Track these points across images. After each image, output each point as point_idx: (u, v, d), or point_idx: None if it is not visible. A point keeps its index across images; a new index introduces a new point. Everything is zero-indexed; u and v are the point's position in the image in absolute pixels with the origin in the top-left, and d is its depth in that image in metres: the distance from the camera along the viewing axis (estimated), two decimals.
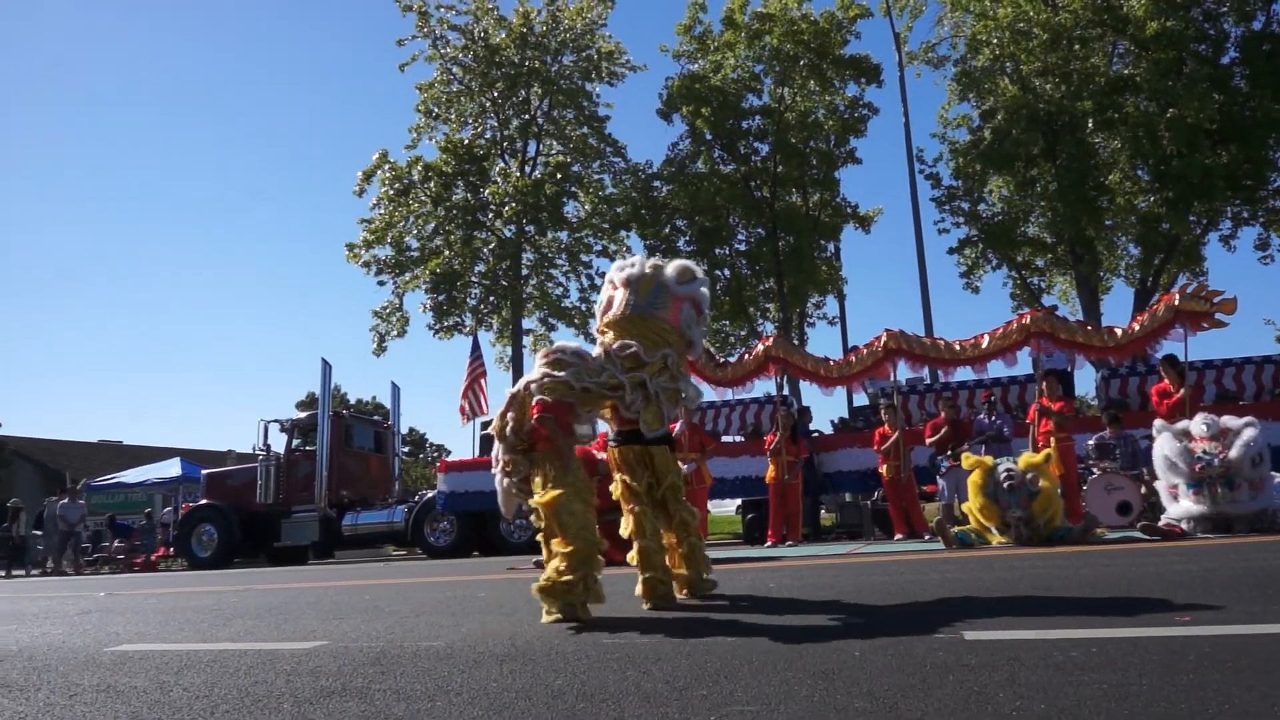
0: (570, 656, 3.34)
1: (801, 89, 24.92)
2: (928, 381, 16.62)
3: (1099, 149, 22.21)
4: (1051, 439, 11.10)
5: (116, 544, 21.47)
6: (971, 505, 9.19)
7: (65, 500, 21.23)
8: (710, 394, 14.31)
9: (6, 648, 4.63)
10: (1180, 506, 8.80)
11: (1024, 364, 13.08)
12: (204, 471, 21.83)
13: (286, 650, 3.96)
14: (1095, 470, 11.62)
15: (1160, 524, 8.85)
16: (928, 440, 12.74)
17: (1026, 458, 9.13)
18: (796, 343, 21.38)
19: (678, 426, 12.58)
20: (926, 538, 11.47)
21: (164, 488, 26.69)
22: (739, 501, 17.11)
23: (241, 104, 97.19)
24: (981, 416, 12.51)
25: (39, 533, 22.54)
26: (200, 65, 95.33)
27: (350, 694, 2.87)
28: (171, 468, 27.87)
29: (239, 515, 19.20)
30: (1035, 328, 11.85)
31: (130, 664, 3.82)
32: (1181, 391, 10.95)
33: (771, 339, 13.67)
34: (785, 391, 15.67)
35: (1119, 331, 11.87)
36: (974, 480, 9.09)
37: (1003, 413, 12.89)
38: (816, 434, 15.21)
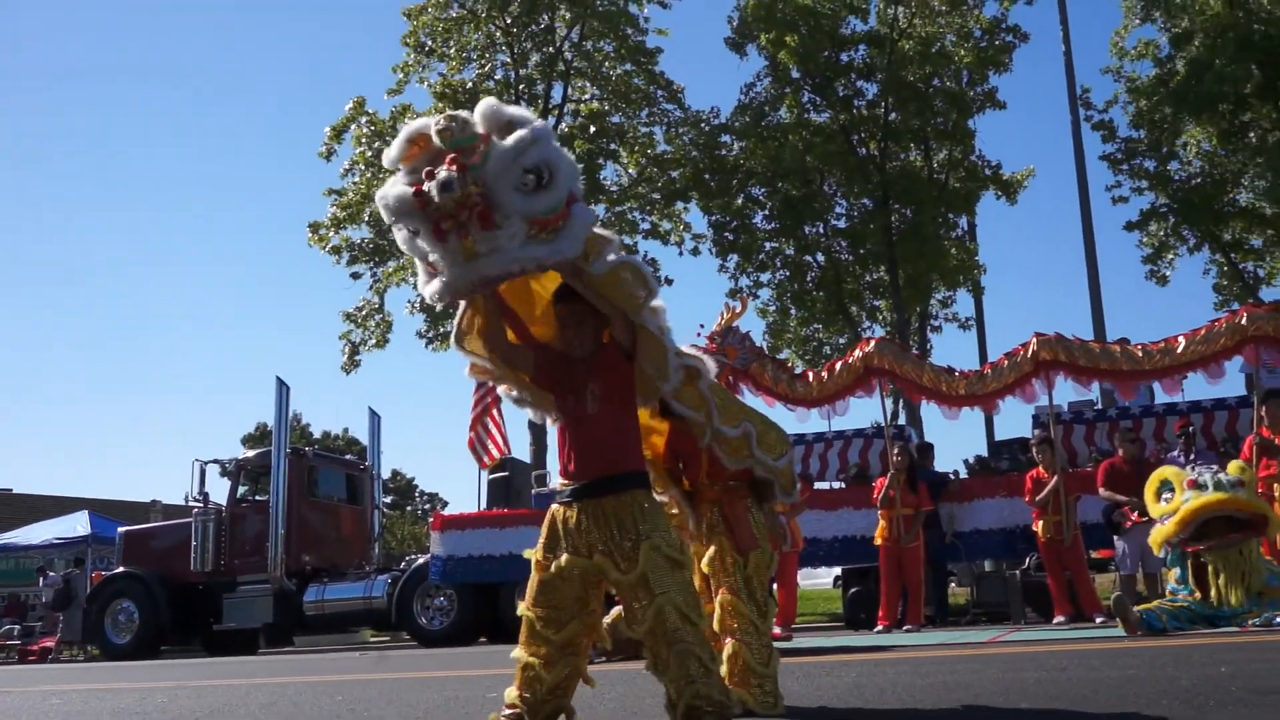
0: None
1: (921, 8, 24.77)
2: (1099, 406, 16.38)
3: None
4: (1275, 486, 10.82)
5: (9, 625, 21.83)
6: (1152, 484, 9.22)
7: None
8: (794, 424, 14.03)
9: None
10: None
11: (1234, 381, 12.80)
12: (121, 529, 22.12)
13: None
14: None
15: None
16: (1101, 489, 12.50)
17: None
18: (916, 351, 21.20)
19: None
20: (1099, 620, 11.27)
21: (67, 550, 27.02)
22: (838, 570, 16.97)
23: (163, 31, 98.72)
24: (1176, 454, 12.26)
25: None
26: None
27: None
28: (77, 523, 28.24)
29: (167, 588, 19.41)
30: (1254, 330, 11.56)
31: None
32: None
33: (873, 342, 13.47)
34: (901, 420, 15.53)
35: None
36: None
37: (1204, 449, 12.62)
38: (951, 477, 14.96)
